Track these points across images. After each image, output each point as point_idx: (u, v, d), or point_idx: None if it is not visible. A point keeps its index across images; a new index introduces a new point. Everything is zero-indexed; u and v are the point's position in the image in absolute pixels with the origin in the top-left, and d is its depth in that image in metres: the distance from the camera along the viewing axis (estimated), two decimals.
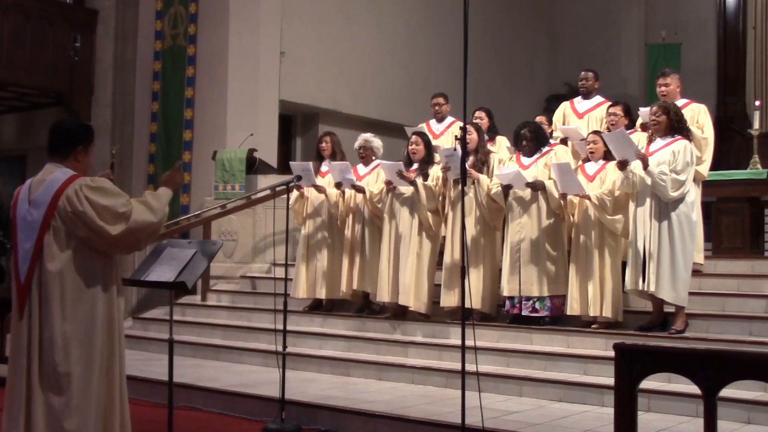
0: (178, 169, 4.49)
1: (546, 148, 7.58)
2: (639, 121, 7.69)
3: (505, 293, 7.42)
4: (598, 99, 8.55)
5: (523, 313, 7.34)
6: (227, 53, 11.56)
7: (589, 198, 7.03)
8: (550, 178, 7.32)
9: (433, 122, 9.16)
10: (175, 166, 4.49)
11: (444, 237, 7.94)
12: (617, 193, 6.94)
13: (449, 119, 9.10)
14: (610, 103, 8.14)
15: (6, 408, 3.96)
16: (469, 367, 5.02)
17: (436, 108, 9.09)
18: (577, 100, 8.70)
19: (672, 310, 6.80)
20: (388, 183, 7.97)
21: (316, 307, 8.72)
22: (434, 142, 8.65)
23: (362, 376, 7.35)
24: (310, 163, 8.58)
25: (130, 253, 4.18)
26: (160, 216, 4.10)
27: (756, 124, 9.51)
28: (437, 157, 8.14)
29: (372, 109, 13.75)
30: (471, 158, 7.62)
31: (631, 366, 3.63)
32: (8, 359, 4.07)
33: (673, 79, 7.53)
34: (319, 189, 8.48)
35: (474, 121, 8.47)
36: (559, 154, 7.61)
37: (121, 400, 4.05)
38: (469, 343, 5.06)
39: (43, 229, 3.91)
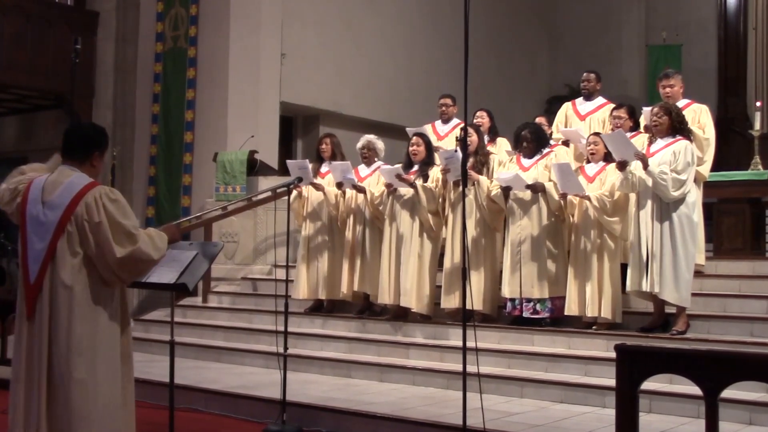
0: (179, 226, 4.45)
1: (546, 150, 7.58)
2: (642, 122, 7.68)
3: (506, 295, 7.43)
4: (600, 101, 8.55)
5: (524, 314, 7.34)
6: (228, 55, 11.57)
7: (588, 198, 7.03)
8: (550, 180, 7.32)
9: (438, 123, 9.15)
10: (178, 223, 4.49)
11: (444, 239, 7.94)
12: (617, 194, 6.94)
13: (454, 121, 9.09)
14: (612, 105, 8.14)
15: (11, 411, 3.94)
16: (471, 368, 5.01)
17: (443, 109, 9.07)
18: (579, 101, 8.69)
19: (673, 311, 6.80)
20: (389, 185, 7.97)
21: (316, 308, 8.72)
22: (438, 144, 8.67)
23: (363, 377, 7.34)
24: (307, 161, 8.57)
25: (119, 283, 4.01)
26: (159, 256, 4.02)
27: (757, 125, 9.51)
28: (438, 158, 8.14)
29: (373, 110, 13.75)
30: (471, 160, 7.62)
31: (633, 367, 3.63)
32: (13, 361, 4.05)
33: (676, 80, 7.53)
34: (318, 187, 8.48)
35: (475, 121, 8.47)
36: (559, 155, 7.62)
37: (128, 411, 4.02)
38: (470, 344, 5.05)
39: (57, 233, 3.87)
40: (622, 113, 7.48)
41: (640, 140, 7.20)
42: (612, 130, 7.52)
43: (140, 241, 3.90)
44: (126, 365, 4.05)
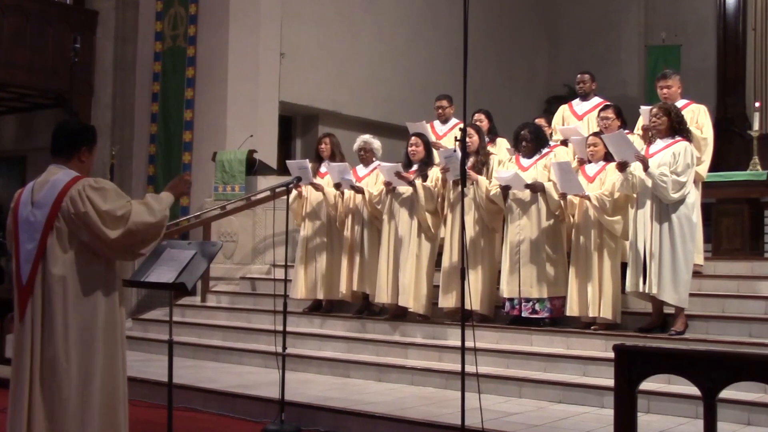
0: (187, 178, 4.44)
1: (546, 150, 7.58)
2: (640, 121, 7.68)
3: (505, 295, 7.43)
4: (596, 100, 8.55)
5: (523, 314, 7.34)
6: (227, 54, 11.57)
7: (588, 198, 7.03)
8: (549, 180, 7.32)
9: (436, 123, 9.17)
10: (183, 175, 4.46)
11: (443, 238, 7.93)
12: (617, 194, 6.94)
13: (453, 121, 9.12)
14: (610, 104, 8.13)
15: (10, 409, 3.96)
16: (469, 368, 5.01)
17: (440, 111, 9.10)
18: (576, 102, 8.71)
19: (671, 311, 6.80)
20: (387, 184, 7.97)
21: (315, 308, 8.72)
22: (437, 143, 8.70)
23: (362, 377, 7.34)
24: (307, 161, 8.58)
25: (131, 258, 4.13)
26: (160, 217, 4.03)
27: (756, 126, 9.49)
28: (437, 158, 8.14)
29: (372, 110, 13.76)
30: (471, 159, 7.63)
31: (631, 367, 3.62)
32: (12, 360, 4.06)
33: (674, 80, 7.53)
34: (317, 187, 8.48)
35: (473, 123, 8.47)
36: (559, 155, 7.62)
37: (122, 403, 4.03)
38: (468, 344, 5.05)
39: (46, 231, 3.90)
40: (609, 114, 7.45)
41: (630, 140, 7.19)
42: (600, 131, 7.51)
43: (132, 216, 3.92)
44: (123, 357, 4.06)
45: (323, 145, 8.77)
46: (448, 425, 5.53)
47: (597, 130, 7.65)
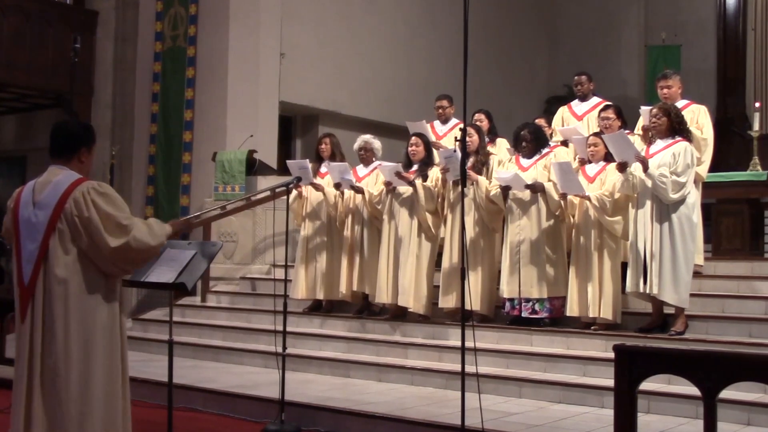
0: (186, 222, 4.46)
1: (545, 150, 7.59)
2: (640, 122, 7.68)
3: (505, 295, 7.43)
4: (595, 100, 8.56)
5: (523, 314, 7.34)
6: (227, 54, 11.58)
7: (589, 198, 7.03)
8: (549, 180, 7.33)
9: (436, 123, 9.18)
10: (188, 219, 4.49)
11: (443, 238, 7.94)
12: (617, 194, 6.94)
13: (453, 121, 9.13)
14: (609, 103, 8.14)
15: (12, 410, 3.96)
16: (469, 368, 5.01)
17: (440, 111, 9.11)
18: (575, 103, 8.71)
19: (672, 311, 6.80)
20: (388, 184, 7.97)
21: (315, 308, 8.72)
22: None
23: (362, 377, 7.34)
24: (307, 161, 8.58)
25: (120, 274, 4.04)
26: (158, 243, 4.01)
27: (756, 126, 9.50)
28: (437, 158, 8.15)
29: (372, 110, 13.76)
30: (471, 159, 7.63)
31: (631, 367, 3.63)
32: (15, 361, 4.06)
33: (674, 80, 7.52)
34: (317, 187, 8.49)
35: (473, 123, 8.47)
36: (559, 155, 7.62)
37: (123, 407, 4.03)
38: (468, 344, 5.06)
39: (48, 232, 3.88)
40: (610, 114, 7.45)
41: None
42: (601, 131, 7.51)
43: (134, 230, 3.90)
44: (123, 359, 4.06)
45: (323, 145, 8.77)
46: (448, 425, 5.52)
47: (597, 130, 7.65)
